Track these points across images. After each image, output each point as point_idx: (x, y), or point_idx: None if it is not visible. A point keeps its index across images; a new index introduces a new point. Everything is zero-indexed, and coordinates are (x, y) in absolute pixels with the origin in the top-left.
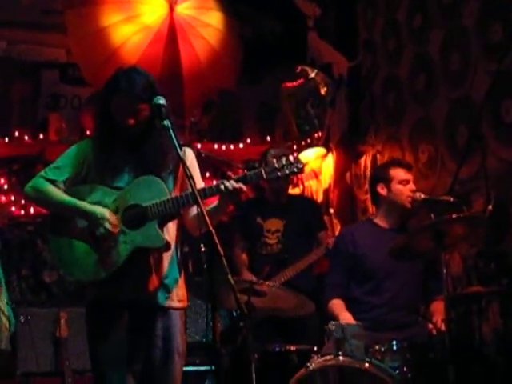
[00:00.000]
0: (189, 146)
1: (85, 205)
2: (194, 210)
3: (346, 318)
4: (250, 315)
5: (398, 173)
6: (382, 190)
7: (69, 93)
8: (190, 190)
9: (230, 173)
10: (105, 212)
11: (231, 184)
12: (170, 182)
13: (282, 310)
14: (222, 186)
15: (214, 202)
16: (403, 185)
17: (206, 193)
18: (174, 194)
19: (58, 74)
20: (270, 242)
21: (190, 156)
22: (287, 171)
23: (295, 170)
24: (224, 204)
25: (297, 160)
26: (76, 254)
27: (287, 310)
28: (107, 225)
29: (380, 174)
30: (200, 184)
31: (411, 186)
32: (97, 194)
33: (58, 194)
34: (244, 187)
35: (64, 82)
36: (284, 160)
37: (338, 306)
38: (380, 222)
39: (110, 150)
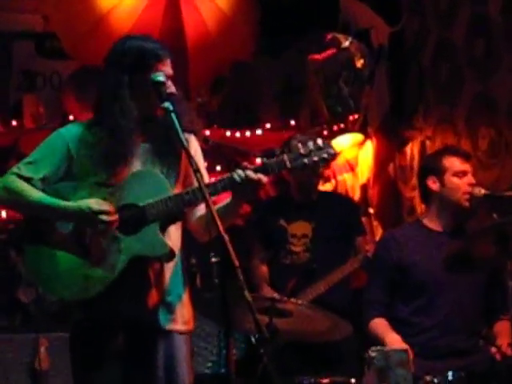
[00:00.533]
0: (193, 132)
1: (66, 204)
2: (200, 210)
3: (394, 340)
4: (273, 340)
5: (453, 163)
6: (433, 185)
7: (47, 69)
8: (197, 184)
9: (245, 163)
10: (91, 203)
11: (248, 174)
12: (172, 175)
13: (311, 334)
14: (237, 177)
15: (223, 199)
16: (459, 177)
17: (216, 187)
18: (175, 191)
19: (34, 47)
20: (295, 250)
21: (193, 145)
22: (315, 158)
23: (325, 155)
24: (238, 201)
25: (327, 144)
26: (59, 268)
27: (318, 334)
28: (102, 217)
29: (431, 165)
30: (205, 179)
31: (469, 178)
32: (82, 192)
33: (34, 194)
34: (264, 178)
35: (41, 56)
36: (311, 144)
37: (382, 325)
38: (431, 223)
39: (113, 140)
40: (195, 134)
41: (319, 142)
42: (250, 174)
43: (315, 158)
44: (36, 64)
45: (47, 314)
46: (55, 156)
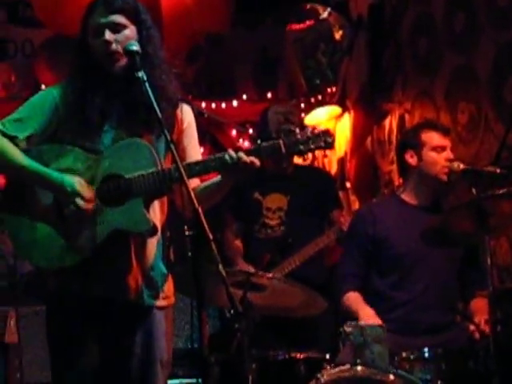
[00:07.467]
0: (187, 102)
1: (50, 173)
2: (192, 184)
3: (368, 314)
4: (247, 315)
5: (432, 137)
6: (411, 159)
7: (19, 36)
8: (188, 160)
9: (238, 145)
10: (75, 183)
11: (241, 157)
12: (162, 148)
13: (285, 309)
14: (228, 158)
15: (214, 176)
16: (438, 152)
17: (206, 167)
18: (165, 165)
19: (6, 14)
20: (270, 223)
21: (187, 116)
22: (312, 146)
23: (323, 144)
24: (227, 181)
25: (326, 132)
26: (38, 237)
27: (292, 309)
28: (79, 200)
29: (409, 139)
30: (197, 154)
31: (448, 153)
32: (67, 157)
33: (17, 155)
34: (257, 162)
35: (13, 23)
36: (309, 131)
37: (355, 299)
38: (408, 198)
39: (88, 98)
40: (189, 104)
41: (316, 130)
42: (243, 156)
43: (312, 146)
44: (8, 31)
45: (17, 287)
46: (44, 114)
